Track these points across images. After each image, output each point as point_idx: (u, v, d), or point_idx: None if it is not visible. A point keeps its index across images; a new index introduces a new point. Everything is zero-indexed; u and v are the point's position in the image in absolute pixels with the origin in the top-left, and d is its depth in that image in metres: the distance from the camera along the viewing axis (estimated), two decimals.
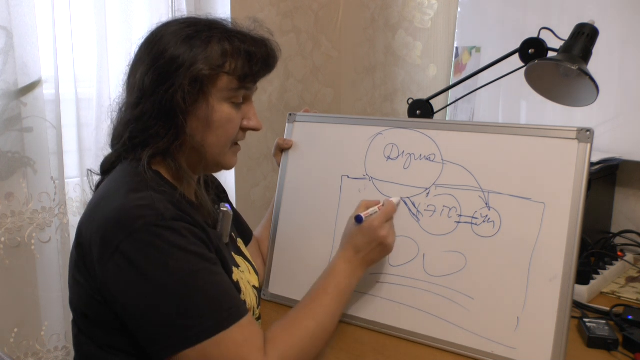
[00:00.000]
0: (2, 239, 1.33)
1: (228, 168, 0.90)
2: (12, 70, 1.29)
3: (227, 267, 0.85)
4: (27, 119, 1.33)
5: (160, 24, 0.86)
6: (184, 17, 0.86)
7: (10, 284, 1.35)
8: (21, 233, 1.35)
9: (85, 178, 1.49)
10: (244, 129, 0.88)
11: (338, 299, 0.88)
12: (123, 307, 0.75)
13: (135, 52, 0.86)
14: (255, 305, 0.94)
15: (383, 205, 0.96)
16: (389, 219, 0.94)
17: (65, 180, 1.43)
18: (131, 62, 0.86)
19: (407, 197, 1.00)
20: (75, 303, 0.84)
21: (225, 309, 0.75)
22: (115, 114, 0.88)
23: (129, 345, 0.80)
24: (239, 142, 0.91)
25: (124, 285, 0.74)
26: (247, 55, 0.82)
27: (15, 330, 1.37)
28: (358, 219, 0.91)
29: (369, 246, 0.91)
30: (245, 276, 0.94)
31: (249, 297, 0.90)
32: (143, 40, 0.86)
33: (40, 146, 1.36)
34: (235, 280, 0.87)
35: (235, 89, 0.83)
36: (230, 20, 0.87)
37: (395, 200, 0.98)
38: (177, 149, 0.84)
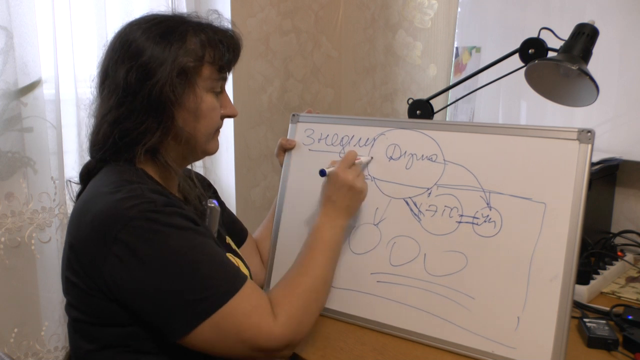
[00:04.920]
0: (2, 239, 1.32)
1: (213, 153, 0.93)
2: (12, 70, 1.29)
3: None
4: (27, 119, 1.33)
5: (126, 25, 0.87)
6: (149, 14, 0.87)
7: (10, 284, 1.35)
8: (21, 233, 1.35)
9: None
10: (222, 117, 0.91)
11: (326, 252, 0.91)
12: (134, 294, 0.76)
13: (106, 54, 0.87)
14: None
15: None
16: (350, 164, 0.96)
17: (65, 180, 1.43)
18: (103, 65, 0.87)
19: (409, 197, 1.00)
20: (72, 305, 0.85)
21: (230, 277, 0.78)
22: (93, 120, 0.88)
23: (127, 338, 0.81)
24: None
25: (130, 272, 0.75)
26: (222, 45, 0.86)
27: (15, 330, 1.37)
28: (321, 173, 0.95)
29: (339, 192, 0.94)
30: None
31: None
32: (113, 41, 0.86)
33: (40, 146, 1.36)
34: None
35: (216, 79, 0.87)
36: (192, 13, 0.89)
37: (363, 158, 1.02)
38: (167, 143, 0.86)
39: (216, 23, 0.89)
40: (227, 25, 0.90)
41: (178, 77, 0.82)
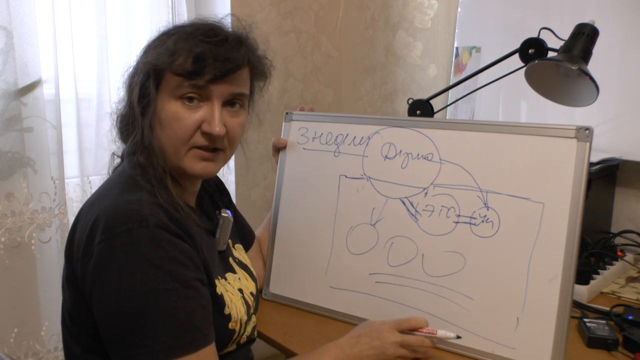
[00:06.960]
0: (2, 239, 1.33)
1: (191, 174, 0.85)
2: (12, 70, 1.29)
3: (211, 279, 0.84)
4: (27, 119, 1.33)
5: None
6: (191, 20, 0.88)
7: (10, 284, 1.35)
8: (21, 233, 1.36)
9: (85, 178, 1.50)
10: (202, 133, 0.82)
11: None
12: (93, 306, 0.76)
13: None
14: (244, 316, 0.90)
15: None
16: (401, 328, 0.87)
17: (65, 180, 1.43)
18: None
19: (405, 197, 1.00)
20: (64, 303, 0.85)
21: (182, 336, 0.72)
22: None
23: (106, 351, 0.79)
24: (220, 148, 0.86)
25: (94, 285, 0.75)
26: (196, 54, 0.79)
27: (15, 330, 1.37)
28: None
29: (368, 339, 0.85)
30: (236, 284, 0.93)
31: (235, 309, 0.88)
32: None
33: (40, 146, 1.36)
34: (219, 294, 0.85)
35: (185, 87, 0.80)
36: (204, 19, 0.86)
37: (441, 332, 0.87)
38: (152, 149, 0.83)
39: (219, 32, 0.82)
40: (236, 34, 0.85)
41: (147, 80, 0.81)
